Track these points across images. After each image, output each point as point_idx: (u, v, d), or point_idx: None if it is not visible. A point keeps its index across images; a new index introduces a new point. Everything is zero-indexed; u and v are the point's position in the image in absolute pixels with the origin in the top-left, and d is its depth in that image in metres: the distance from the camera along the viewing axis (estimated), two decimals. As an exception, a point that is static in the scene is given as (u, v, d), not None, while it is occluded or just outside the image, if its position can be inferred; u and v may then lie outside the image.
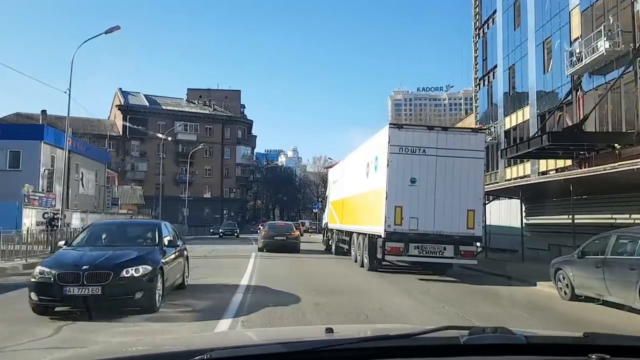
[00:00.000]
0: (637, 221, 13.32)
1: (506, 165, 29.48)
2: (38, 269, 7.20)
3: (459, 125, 42.92)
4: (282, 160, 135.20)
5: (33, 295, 6.92)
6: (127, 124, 62.35)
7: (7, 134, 29.13)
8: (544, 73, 25.73)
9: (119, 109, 64.35)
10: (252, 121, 76.84)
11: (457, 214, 12.80)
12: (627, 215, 14.33)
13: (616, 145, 18.97)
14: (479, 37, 36.56)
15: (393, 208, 12.85)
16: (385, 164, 13.09)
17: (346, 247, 18.83)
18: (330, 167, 36.44)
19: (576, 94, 22.45)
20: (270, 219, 61.81)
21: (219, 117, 69.33)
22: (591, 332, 1.61)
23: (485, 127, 28.81)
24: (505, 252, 20.69)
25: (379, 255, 13.76)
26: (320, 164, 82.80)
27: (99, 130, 59.33)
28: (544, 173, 24.12)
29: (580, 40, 21.32)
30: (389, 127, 13.46)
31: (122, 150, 62.23)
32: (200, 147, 59.03)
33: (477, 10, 37.03)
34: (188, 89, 77.19)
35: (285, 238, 22.03)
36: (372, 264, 14.38)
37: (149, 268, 7.32)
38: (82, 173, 35.03)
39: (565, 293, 9.80)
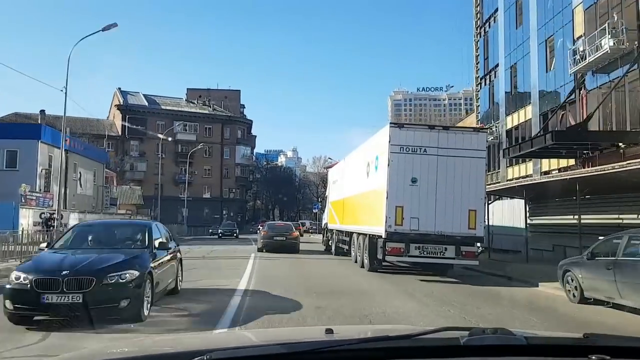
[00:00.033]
0: (645, 221, 13.09)
1: (508, 165, 29.23)
2: (14, 274, 6.61)
3: (459, 125, 42.63)
4: (281, 160, 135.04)
5: (8, 304, 6.33)
6: (126, 124, 62.13)
7: (4, 133, 28.93)
8: (547, 72, 25.48)
9: (118, 109, 64.09)
10: (251, 121, 76.64)
11: (458, 214, 12.67)
12: (635, 215, 14.09)
13: (620, 144, 18.71)
14: (480, 36, 36.31)
15: (394, 208, 12.73)
16: (386, 163, 12.96)
17: (346, 247, 18.69)
18: (330, 167, 36.18)
19: (579, 93, 22.21)
20: (270, 219, 61.56)
21: (219, 117, 69.07)
22: (591, 333, 1.61)
23: (486, 127, 28.57)
24: (508, 253, 20.43)
25: (380, 256, 13.64)
26: (320, 164, 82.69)
27: (98, 130, 59.03)
28: (546, 173, 23.87)
29: (583, 38, 21.08)
30: (390, 127, 13.33)
31: (121, 150, 61.99)
32: (199, 147, 58.75)
33: (478, 9, 36.76)
34: (187, 88, 77.11)
35: (284, 238, 21.96)
36: (372, 264, 14.27)
37: (136, 273, 6.76)
38: (80, 173, 34.80)
39: (574, 295, 9.53)
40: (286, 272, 14.43)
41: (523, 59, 27.91)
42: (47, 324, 6.35)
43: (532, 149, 20.43)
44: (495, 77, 32.66)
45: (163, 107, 66.46)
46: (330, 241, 22.22)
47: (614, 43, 18.75)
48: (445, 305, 9.01)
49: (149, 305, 7.02)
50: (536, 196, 19.06)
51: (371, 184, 14.72)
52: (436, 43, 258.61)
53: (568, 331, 6.45)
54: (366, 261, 14.68)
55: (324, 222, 25.89)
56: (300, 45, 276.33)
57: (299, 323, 6.96)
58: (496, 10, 32.22)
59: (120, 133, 62.88)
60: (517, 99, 29.10)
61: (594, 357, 1.46)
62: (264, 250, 21.45)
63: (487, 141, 16.17)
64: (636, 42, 18.43)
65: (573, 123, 21.88)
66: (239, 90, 79.73)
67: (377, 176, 14.04)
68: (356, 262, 16.09)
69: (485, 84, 34.85)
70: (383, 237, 12.93)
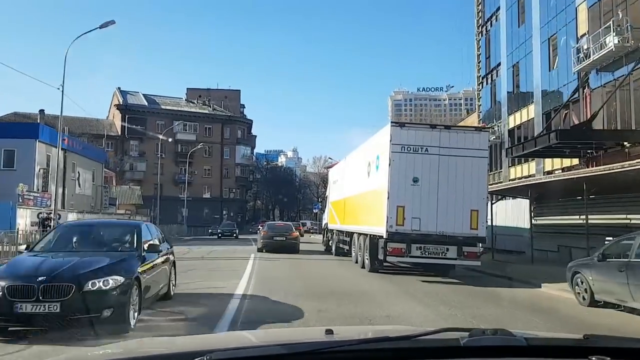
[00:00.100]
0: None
1: (510, 165, 28.98)
2: None
3: (461, 124, 42.36)
4: (282, 160, 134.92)
5: None
6: (126, 123, 61.91)
7: (2, 132, 28.78)
8: (549, 70, 25.21)
9: (117, 109, 63.85)
10: (251, 121, 76.40)
11: (460, 214, 12.57)
12: (644, 216, 13.78)
13: (625, 143, 18.45)
14: (481, 35, 36.05)
15: (395, 208, 12.62)
16: (387, 163, 12.87)
17: (346, 247, 18.58)
18: (331, 167, 35.94)
19: (583, 92, 21.95)
20: (270, 220, 61.31)
21: (219, 117, 68.84)
22: (591, 334, 1.62)
23: (488, 126, 28.32)
24: (512, 254, 20.15)
25: (381, 256, 13.56)
26: (320, 164, 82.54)
27: (98, 130, 58.84)
28: (549, 172, 23.61)
29: (587, 36, 20.81)
30: (391, 126, 13.24)
31: (120, 150, 61.79)
32: (199, 146, 58.52)
33: (479, 7, 36.52)
34: (187, 88, 76.90)
35: (284, 238, 21.98)
36: (373, 265, 14.20)
37: (121, 279, 6.12)
38: (78, 172, 34.56)
39: (584, 298, 9.22)
40: (286, 273, 14.32)
41: (525, 58, 27.64)
42: (25, 334, 5.87)
43: (536, 148, 20.17)
44: (497, 76, 32.40)
45: (163, 106, 66.23)
46: (331, 241, 22.14)
47: (618, 41, 18.48)
48: (454, 308, 8.75)
49: (136, 314, 6.42)
50: (541, 196, 18.79)
51: (372, 183, 14.62)
52: (436, 43, 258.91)
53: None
54: (367, 262, 14.59)
55: (324, 222, 25.82)
56: (300, 45, 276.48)
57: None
58: (498, 8, 31.97)
59: (119, 133, 62.68)
60: (519, 98, 28.84)
61: (594, 358, 1.47)
62: (264, 251, 21.48)
63: (489, 141, 15.94)
64: (641, 40, 18.17)
65: (576, 122, 21.64)
66: (239, 90, 79.57)
67: (378, 176, 13.93)
68: (356, 262, 15.99)
69: (487, 83, 34.60)
70: (384, 237, 12.83)
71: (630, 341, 1.77)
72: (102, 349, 1.93)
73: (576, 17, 22.54)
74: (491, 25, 33.94)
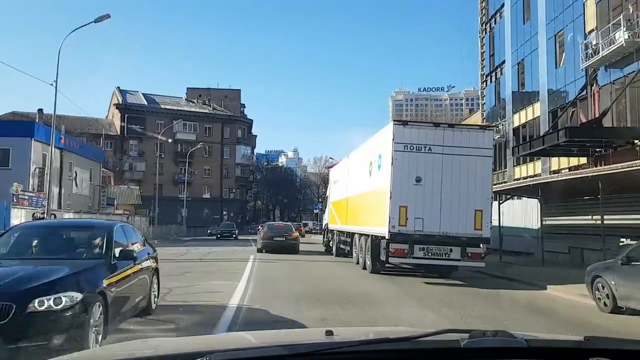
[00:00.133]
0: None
1: (515, 164, 28.46)
2: None
3: (464, 123, 41.82)
4: (282, 160, 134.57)
5: None
6: (125, 123, 61.47)
7: (-3, 131, 28.28)
8: (556, 68, 24.68)
9: (117, 108, 63.42)
10: (252, 120, 75.92)
11: (464, 215, 12.25)
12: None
13: (636, 141, 17.90)
14: (485, 33, 35.56)
15: (397, 208, 12.31)
16: (390, 162, 12.55)
17: (347, 248, 18.25)
18: (331, 166, 35.42)
19: (591, 89, 21.41)
20: (270, 220, 60.83)
21: (219, 117, 68.38)
22: (592, 336, 1.64)
23: (493, 125, 27.77)
24: (520, 255, 19.54)
25: (382, 257, 13.26)
26: (320, 164, 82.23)
27: (97, 130, 58.38)
28: (555, 172, 23.07)
29: (596, 32, 20.28)
30: (393, 124, 12.88)
31: (120, 149, 61.37)
32: (199, 146, 58.03)
33: (483, 4, 36.03)
34: (187, 88, 76.46)
35: (284, 239, 21.76)
36: (374, 266, 13.96)
37: (78, 296, 4.81)
38: (75, 172, 34.10)
39: (605, 304, 8.57)
40: (286, 273, 14.10)
41: (531, 55, 27.12)
42: None
43: (544, 147, 19.66)
44: (501, 74, 31.90)
45: (162, 106, 65.77)
46: (331, 242, 21.83)
47: (629, 36, 18.00)
48: (456, 309, 8.40)
49: (99, 338, 5.12)
50: (552, 195, 18.19)
51: (374, 183, 14.29)
52: (436, 43, 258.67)
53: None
54: (368, 262, 14.34)
55: (324, 222, 25.51)
56: (300, 45, 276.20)
57: None
58: (502, 5, 31.51)
59: (119, 132, 62.27)
60: (524, 96, 28.32)
61: None
62: (264, 251, 21.32)
63: (493, 139, 15.45)
64: (653, 35, 17.63)
65: (584, 120, 21.13)
66: (239, 90, 79.02)
67: (380, 175, 13.60)
68: (357, 263, 15.74)
69: (491, 82, 34.10)
70: (386, 237, 12.53)
71: (631, 343, 1.78)
72: (106, 349, 1.90)
73: (584, 13, 22.04)
74: (495, 22, 33.43)
